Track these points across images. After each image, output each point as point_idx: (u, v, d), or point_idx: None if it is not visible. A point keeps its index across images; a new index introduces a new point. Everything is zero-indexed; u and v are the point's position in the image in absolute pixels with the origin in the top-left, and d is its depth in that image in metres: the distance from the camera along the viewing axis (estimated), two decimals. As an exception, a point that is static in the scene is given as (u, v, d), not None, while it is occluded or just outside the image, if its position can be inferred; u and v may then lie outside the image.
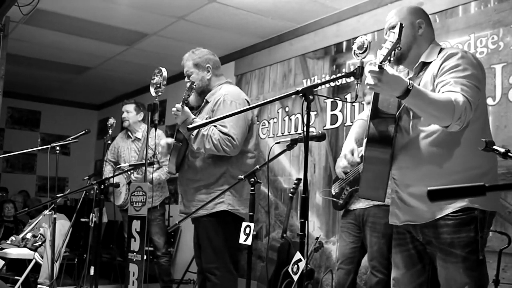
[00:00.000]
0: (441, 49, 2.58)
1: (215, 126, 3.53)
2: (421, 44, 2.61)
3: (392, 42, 2.20)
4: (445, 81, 2.37)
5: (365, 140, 2.52)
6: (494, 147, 3.25)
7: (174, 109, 3.54)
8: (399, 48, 2.36)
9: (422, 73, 2.56)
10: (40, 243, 6.06)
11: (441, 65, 2.44)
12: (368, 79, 2.18)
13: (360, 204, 4.16)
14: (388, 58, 2.20)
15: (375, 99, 2.48)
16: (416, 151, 2.48)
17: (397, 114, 2.53)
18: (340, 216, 4.44)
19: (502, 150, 3.16)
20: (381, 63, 2.14)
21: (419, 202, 2.49)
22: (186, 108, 3.57)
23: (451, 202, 2.39)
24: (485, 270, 2.45)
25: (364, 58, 2.54)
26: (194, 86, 3.61)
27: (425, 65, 2.56)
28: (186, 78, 3.80)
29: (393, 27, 2.49)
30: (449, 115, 2.24)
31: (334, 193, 4.33)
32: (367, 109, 2.98)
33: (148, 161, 3.92)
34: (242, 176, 3.10)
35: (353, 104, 5.09)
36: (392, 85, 2.18)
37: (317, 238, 5.01)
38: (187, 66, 3.80)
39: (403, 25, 2.27)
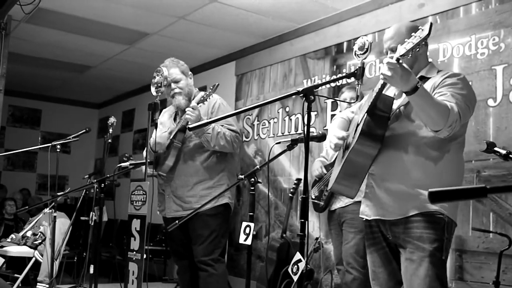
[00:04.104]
0: (439, 70, 2.69)
1: (222, 126, 3.72)
2: (421, 61, 2.68)
3: (420, 37, 2.26)
4: (443, 92, 2.48)
5: (357, 132, 2.54)
6: (495, 148, 3.25)
7: (191, 107, 3.65)
8: (424, 43, 2.42)
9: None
10: (40, 241, 6.05)
11: (442, 80, 2.55)
12: (384, 69, 2.29)
13: (340, 203, 4.20)
14: (410, 53, 2.28)
15: (377, 96, 2.50)
16: (402, 149, 2.56)
17: (392, 113, 2.58)
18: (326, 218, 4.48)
19: (503, 151, 3.16)
20: (401, 56, 2.25)
21: (393, 198, 2.57)
22: (199, 109, 3.69)
23: (427, 202, 2.45)
24: (445, 273, 2.55)
25: (365, 59, 2.54)
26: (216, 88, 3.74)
27: (424, 79, 2.63)
28: (173, 84, 3.91)
29: (393, 49, 2.56)
30: (444, 119, 2.34)
31: (314, 196, 4.37)
32: (348, 110, 3.03)
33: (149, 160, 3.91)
34: (242, 176, 3.10)
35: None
36: (405, 79, 2.29)
37: (317, 238, 5.01)
38: (175, 73, 3.92)
39: (432, 24, 2.31)
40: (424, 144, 2.52)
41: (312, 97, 2.44)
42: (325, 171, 4.29)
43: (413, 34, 2.30)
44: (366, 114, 2.50)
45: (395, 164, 2.57)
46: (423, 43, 2.30)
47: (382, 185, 2.62)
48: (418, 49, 2.30)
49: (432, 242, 2.46)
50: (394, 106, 2.59)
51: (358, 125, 2.58)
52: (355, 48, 2.59)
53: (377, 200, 2.64)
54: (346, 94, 4.32)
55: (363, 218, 2.75)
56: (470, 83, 3.06)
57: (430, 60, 2.75)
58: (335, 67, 5.57)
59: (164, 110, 4.24)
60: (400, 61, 2.26)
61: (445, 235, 2.49)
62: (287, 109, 6.08)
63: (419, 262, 2.47)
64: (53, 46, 7.32)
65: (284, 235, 5.13)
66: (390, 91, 2.69)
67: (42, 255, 5.85)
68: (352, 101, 4.18)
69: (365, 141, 2.50)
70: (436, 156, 2.52)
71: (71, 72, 8.76)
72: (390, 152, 2.57)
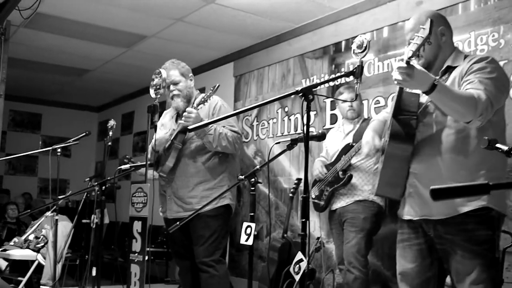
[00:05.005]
0: (466, 56, 2.61)
1: (224, 127, 3.73)
2: (446, 50, 2.62)
3: (423, 37, 2.24)
4: (470, 80, 2.41)
5: (387, 137, 2.53)
6: (497, 145, 3.23)
7: (187, 111, 3.63)
8: (429, 43, 2.42)
9: (446, 76, 2.58)
10: (42, 244, 6.05)
11: (469, 66, 2.48)
12: (396, 74, 2.26)
13: (341, 203, 4.19)
14: (417, 53, 2.26)
15: (398, 97, 2.50)
16: (439, 144, 2.50)
17: (419, 111, 2.56)
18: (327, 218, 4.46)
19: (505, 148, 3.14)
20: (409, 58, 2.22)
21: None
22: (196, 111, 3.66)
23: (472, 200, 2.40)
24: (498, 272, 2.46)
25: (363, 57, 2.52)
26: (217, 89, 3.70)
27: (450, 69, 2.58)
28: (171, 86, 3.91)
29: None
30: (471, 110, 2.29)
31: (314, 196, 4.36)
32: (383, 111, 3.03)
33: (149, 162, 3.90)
34: (243, 176, 3.09)
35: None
36: (419, 80, 2.26)
37: (318, 238, 4.99)
38: (174, 75, 3.92)
39: (433, 21, 2.28)
40: (462, 137, 2.45)
41: (311, 97, 2.42)
42: (325, 171, 4.27)
43: (416, 34, 2.28)
44: (392, 117, 2.50)
45: (434, 161, 2.50)
46: (428, 41, 2.27)
47: (426, 184, 2.53)
48: (427, 44, 2.28)
49: (482, 244, 2.39)
50: (423, 100, 2.55)
51: (388, 128, 2.57)
52: (354, 46, 2.57)
53: (422, 199, 2.55)
54: (346, 95, 4.30)
55: (407, 219, 2.64)
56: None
57: (455, 46, 2.69)
58: (333, 66, 5.54)
59: (165, 112, 4.23)
60: (411, 63, 2.23)
61: (496, 232, 2.41)
62: (286, 109, 6.06)
63: (470, 265, 2.39)
64: (52, 51, 7.30)
65: (285, 235, 5.11)
66: None
67: (44, 258, 5.85)
68: (351, 100, 4.17)
69: (396, 144, 2.50)
70: (475, 148, 2.43)
71: (70, 76, 8.74)
72: (427, 149, 2.52)
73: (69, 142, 4.95)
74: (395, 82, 2.30)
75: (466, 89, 2.38)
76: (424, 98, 2.55)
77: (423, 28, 2.25)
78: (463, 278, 2.41)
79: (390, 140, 2.49)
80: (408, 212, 2.64)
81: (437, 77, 2.52)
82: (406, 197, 2.65)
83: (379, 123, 2.84)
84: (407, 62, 2.22)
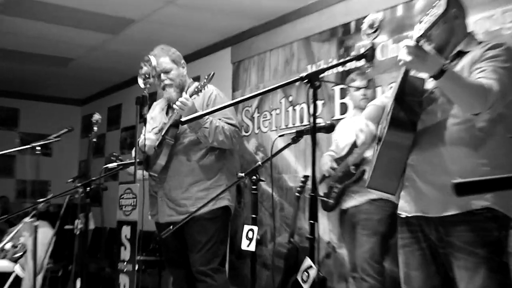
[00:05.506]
0: (480, 42, 2.61)
1: (220, 119, 3.72)
2: (459, 34, 2.62)
3: (436, 15, 2.21)
4: (482, 68, 2.41)
5: (385, 124, 2.51)
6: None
7: (181, 100, 3.61)
8: (444, 22, 2.43)
9: (457, 61, 2.57)
10: (20, 254, 6.04)
11: (483, 52, 2.47)
12: (402, 54, 2.27)
13: (353, 202, 4.16)
14: (428, 33, 2.28)
15: (403, 80, 2.46)
16: (443, 134, 2.49)
17: (425, 95, 2.55)
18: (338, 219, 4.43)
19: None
20: (420, 37, 2.23)
21: (437, 193, 2.48)
22: (192, 100, 3.65)
23: (474, 198, 2.38)
24: (508, 275, 2.43)
25: (375, 38, 2.51)
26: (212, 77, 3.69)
27: (462, 54, 2.58)
28: (162, 75, 3.90)
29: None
30: (480, 102, 2.29)
31: (322, 193, 4.33)
32: (382, 95, 2.99)
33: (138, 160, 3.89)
34: (243, 174, 3.09)
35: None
36: (427, 62, 2.27)
37: (329, 242, 4.98)
38: (164, 63, 3.91)
39: None
40: (470, 127, 2.44)
41: (318, 83, 2.40)
42: (335, 166, 4.25)
43: (428, 11, 2.27)
44: (394, 101, 2.47)
45: (436, 153, 2.49)
46: (441, 20, 2.26)
47: (424, 178, 2.53)
48: (441, 22, 2.27)
49: (486, 245, 2.37)
50: (429, 86, 2.54)
51: (389, 113, 2.54)
52: (364, 27, 2.56)
53: (419, 194, 2.55)
54: (359, 83, 4.28)
55: (401, 215, 2.67)
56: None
57: (469, 31, 2.69)
58: (342, 49, 5.52)
59: (154, 104, 4.22)
60: (420, 44, 2.23)
61: (501, 233, 2.39)
62: (291, 98, 6.05)
63: (474, 270, 2.37)
64: (29, 38, 7.30)
65: (291, 239, 5.11)
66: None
67: (23, 269, 5.84)
68: (363, 86, 4.15)
69: (396, 132, 2.47)
70: (484, 141, 2.43)
71: (50, 66, 8.75)
72: (429, 139, 2.52)
73: (50, 139, 4.95)
74: (400, 63, 2.31)
75: (478, 77, 2.38)
76: (430, 84, 2.55)
77: (438, 6, 2.23)
78: (467, 285, 2.39)
79: (389, 127, 2.47)
80: (402, 208, 2.67)
81: (447, 61, 2.51)
82: (402, 191, 2.67)
83: (376, 109, 2.82)
84: (417, 41, 2.23)
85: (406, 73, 2.50)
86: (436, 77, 2.28)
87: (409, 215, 2.61)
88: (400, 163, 2.53)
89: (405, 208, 2.64)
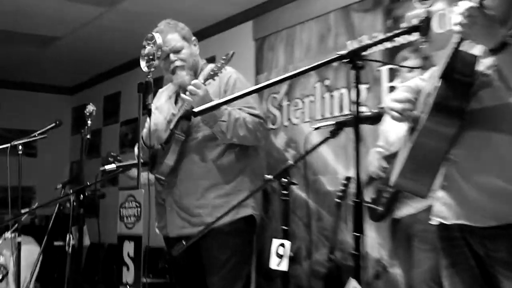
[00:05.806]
0: None
1: (240, 109, 3.69)
2: None
3: None
4: None
5: (425, 108, 2.47)
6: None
7: (193, 84, 3.59)
8: None
9: None
10: (0, 276, 6.11)
11: None
12: (459, 17, 2.24)
13: (408, 210, 4.14)
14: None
15: (454, 54, 2.44)
16: (496, 126, 2.44)
17: (476, 77, 2.48)
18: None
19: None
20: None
21: (486, 197, 2.42)
22: (205, 87, 3.63)
23: None
24: None
25: (430, 6, 2.50)
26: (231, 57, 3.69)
27: None
28: (172, 56, 3.88)
29: None
30: None
31: (369, 199, 4.32)
32: (416, 78, 2.95)
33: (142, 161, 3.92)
34: (271, 176, 3.09)
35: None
36: (489, 30, 2.24)
37: (378, 260, 4.98)
38: (173, 40, 3.89)
39: None
40: None
41: (361, 63, 2.41)
42: (385, 165, 4.25)
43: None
44: (440, 79, 2.44)
45: (486, 149, 2.45)
46: None
47: (469, 178, 2.48)
48: None
49: None
50: (481, 68, 2.52)
51: (429, 96, 2.51)
52: (417, -8, 2.54)
53: (462, 197, 2.50)
54: (412, 62, 4.27)
55: (436, 222, 2.63)
56: None
57: None
58: (390, 21, 5.52)
59: (160, 91, 4.23)
60: (484, 6, 2.20)
61: None
62: (327, 82, 6.06)
63: None
64: (6, 14, 7.37)
65: (331, 256, 5.12)
66: (475, 49, 2.62)
67: (5, 295, 5.91)
68: (417, 66, 4.13)
69: (438, 117, 2.41)
70: None
71: (32, 47, 8.82)
72: (478, 131, 2.47)
73: (34, 136, 5.00)
74: (456, 28, 2.28)
75: None
76: (482, 65, 2.51)
77: None
78: None
79: (432, 110, 2.41)
80: (439, 212, 2.62)
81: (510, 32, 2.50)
82: (440, 191, 2.61)
83: (408, 91, 2.80)
84: (481, 3, 2.20)
85: (457, 46, 2.47)
86: (496, 50, 2.25)
87: (448, 223, 2.56)
88: (439, 158, 2.46)
89: (443, 213, 2.59)
